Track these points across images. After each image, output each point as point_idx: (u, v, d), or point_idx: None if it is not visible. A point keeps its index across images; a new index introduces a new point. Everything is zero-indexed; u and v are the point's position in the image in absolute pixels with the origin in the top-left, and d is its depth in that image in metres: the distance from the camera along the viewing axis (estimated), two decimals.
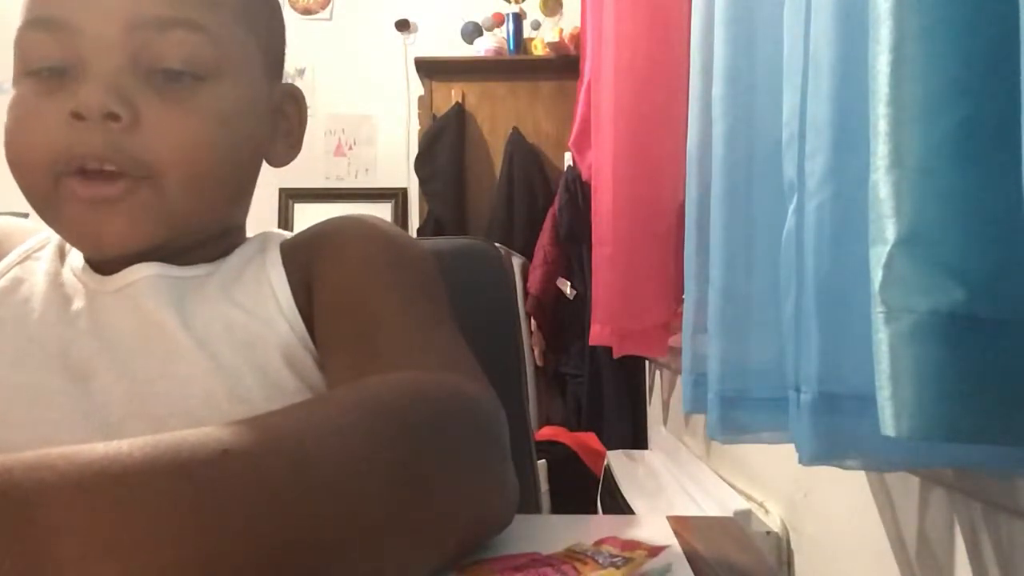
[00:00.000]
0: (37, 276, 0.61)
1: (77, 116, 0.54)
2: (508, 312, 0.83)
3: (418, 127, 3.33)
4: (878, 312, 0.55)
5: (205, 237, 0.63)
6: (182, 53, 0.57)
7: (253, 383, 0.56)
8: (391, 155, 3.57)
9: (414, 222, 3.43)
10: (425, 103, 3.26)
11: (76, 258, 0.62)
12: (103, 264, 0.60)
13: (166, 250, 0.60)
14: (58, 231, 0.60)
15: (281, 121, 0.67)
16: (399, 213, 3.55)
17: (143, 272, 0.59)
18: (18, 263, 0.62)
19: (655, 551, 0.43)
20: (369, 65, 3.58)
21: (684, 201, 1.20)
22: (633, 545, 0.43)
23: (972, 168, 0.53)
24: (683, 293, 1.18)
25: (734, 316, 0.96)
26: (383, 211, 3.51)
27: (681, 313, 1.20)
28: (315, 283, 0.61)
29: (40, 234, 0.66)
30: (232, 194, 0.63)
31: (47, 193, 0.56)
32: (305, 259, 0.62)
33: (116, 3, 0.56)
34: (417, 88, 3.37)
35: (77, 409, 0.55)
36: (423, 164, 3.20)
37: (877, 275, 0.55)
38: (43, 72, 0.56)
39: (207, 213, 0.61)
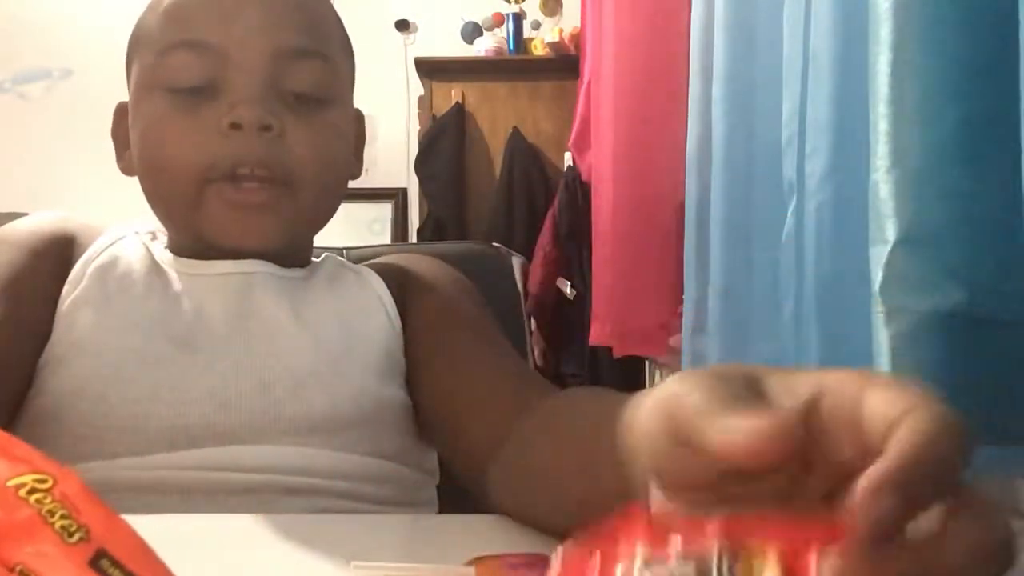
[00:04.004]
0: (131, 257, 0.68)
1: (235, 127, 0.62)
2: (513, 314, 0.88)
3: (418, 127, 3.33)
4: (878, 312, 0.55)
5: (306, 243, 0.73)
6: (312, 80, 0.66)
7: (355, 361, 0.65)
8: (391, 155, 3.57)
9: (414, 222, 3.43)
10: (425, 103, 3.25)
11: (160, 248, 0.70)
12: (199, 253, 0.67)
13: (276, 250, 0.67)
14: (196, 228, 0.65)
15: (355, 140, 0.74)
16: (399, 213, 3.54)
17: (256, 268, 0.66)
18: (108, 246, 0.68)
19: None
20: (369, 65, 3.58)
21: (684, 201, 1.20)
22: None
23: (972, 168, 0.53)
24: (683, 293, 1.18)
25: (734, 316, 0.96)
26: (383, 211, 3.51)
27: (681, 313, 1.20)
28: (417, 310, 0.70)
29: (111, 231, 0.71)
30: (337, 205, 0.72)
31: (193, 196, 0.63)
32: (400, 282, 0.72)
33: (261, 32, 0.64)
34: (417, 88, 3.37)
35: (185, 372, 0.61)
36: (423, 164, 3.20)
37: (877, 275, 0.55)
38: (184, 90, 0.63)
39: (322, 220, 0.70)
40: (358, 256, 0.85)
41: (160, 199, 0.67)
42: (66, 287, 0.65)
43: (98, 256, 0.67)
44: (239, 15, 0.64)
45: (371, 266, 0.75)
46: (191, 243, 0.68)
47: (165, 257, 0.69)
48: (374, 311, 0.70)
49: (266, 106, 0.63)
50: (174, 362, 0.62)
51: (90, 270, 0.66)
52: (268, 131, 0.63)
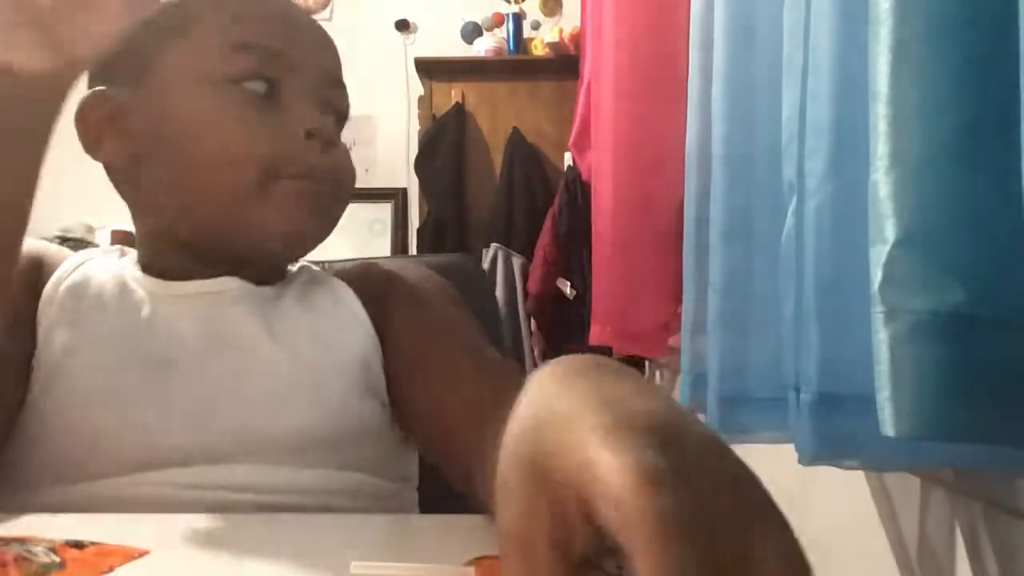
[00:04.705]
0: (102, 276, 0.67)
1: (310, 135, 0.65)
2: (491, 324, 0.90)
3: (418, 127, 3.33)
4: (878, 312, 0.55)
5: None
6: (343, 106, 0.72)
7: (332, 376, 0.65)
8: (391, 155, 3.57)
9: (414, 222, 3.43)
10: (425, 103, 3.26)
11: (130, 266, 0.69)
12: (170, 272, 0.67)
13: (252, 266, 0.68)
14: (247, 220, 0.65)
15: None
16: (399, 213, 3.55)
17: (228, 285, 0.67)
18: (77, 266, 0.68)
19: None
20: (369, 65, 3.59)
21: (684, 201, 1.20)
22: None
23: (972, 168, 0.53)
24: (683, 293, 1.18)
25: (733, 316, 0.96)
26: (383, 211, 3.51)
27: (681, 313, 1.20)
28: (396, 317, 0.71)
29: (77, 255, 0.71)
30: None
31: (253, 188, 0.64)
32: (377, 292, 0.72)
33: (320, 51, 0.70)
34: (417, 88, 3.37)
35: (159, 392, 0.61)
36: (423, 164, 3.20)
37: (877, 275, 0.55)
38: (247, 89, 0.65)
39: None
40: (338, 269, 0.85)
41: (202, 192, 0.65)
42: (40, 307, 0.64)
43: (68, 276, 0.66)
44: (301, 29, 0.69)
45: (342, 275, 0.75)
46: (220, 240, 0.67)
47: (136, 275, 0.68)
48: (348, 324, 0.70)
49: (331, 121, 0.68)
50: (149, 383, 0.62)
51: (62, 290, 0.65)
52: (332, 145, 0.67)
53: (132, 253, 0.72)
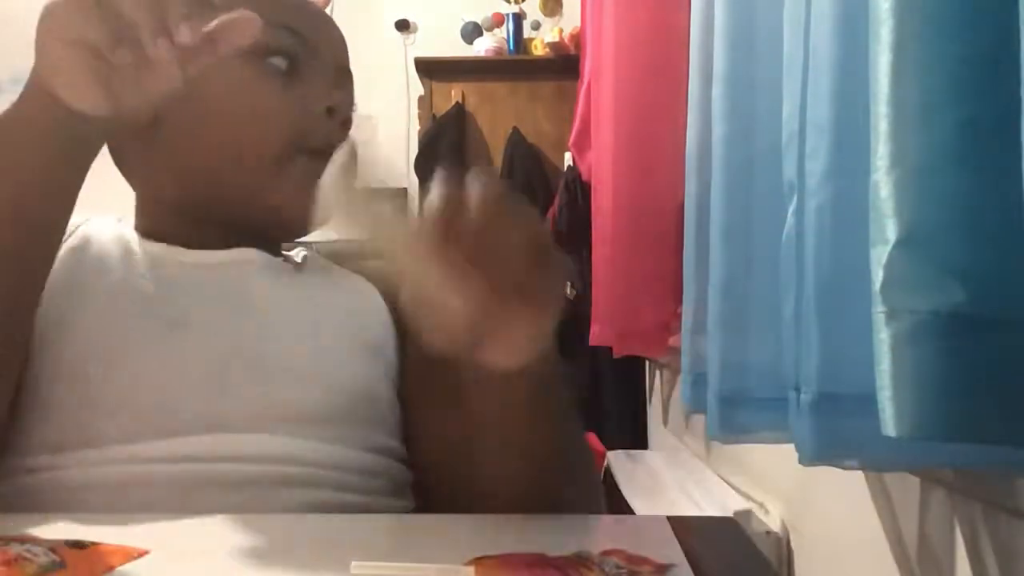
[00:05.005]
0: (103, 240, 0.67)
1: (332, 112, 0.68)
2: None
3: (418, 127, 3.33)
4: (879, 312, 0.55)
5: None
6: (351, 96, 0.74)
7: (348, 353, 0.66)
8: (391, 155, 3.57)
9: None
10: (425, 103, 3.25)
11: (130, 231, 0.69)
12: (172, 239, 0.68)
13: (254, 236, 0.69)
14: (261, 194, 0.67)
15: None
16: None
17: (251, 255, 0.68)
18: (76, 228, 0.68)
19: (661, 569, 0.43)
20: (369, 65, 3.58)
21: (684, 201, 1.20)
22: (640, 561, 0.43)
23: (972, 168, 0.53)
24: (683, 293, 1.18)
25: (734, 316, 0.96)
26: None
27: (681, 313, 1.20)
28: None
29: (74, 217, 0.70)
30: None
31: (277, 158, 0.66)
32: (391, 291, 0.73)
33: (335, 38, 0.73)
34: (417, 88, 3.36)
35: (173, 351, 0.61)
36: (423, 164, 3.20)
37: (878, 275, 0.55)
38: (271, 63, 0.67)
39: None
40: (328, 251, 0.85)
41: (223, 158, 0.67)
42: None
43: (68, 237, 0.66)
44: (318, 16, 0.72)
45: (359, 272, 0.76)
46: (231, 207, 0.67)
47: (138, 239, 0.68)
48: (369, 310, 0.71)
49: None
50: (162, 342, 0.61)
51: (62, 252, 0.64)
52: (345, 125, 0.69)
53: (128, 220, 0.72)
